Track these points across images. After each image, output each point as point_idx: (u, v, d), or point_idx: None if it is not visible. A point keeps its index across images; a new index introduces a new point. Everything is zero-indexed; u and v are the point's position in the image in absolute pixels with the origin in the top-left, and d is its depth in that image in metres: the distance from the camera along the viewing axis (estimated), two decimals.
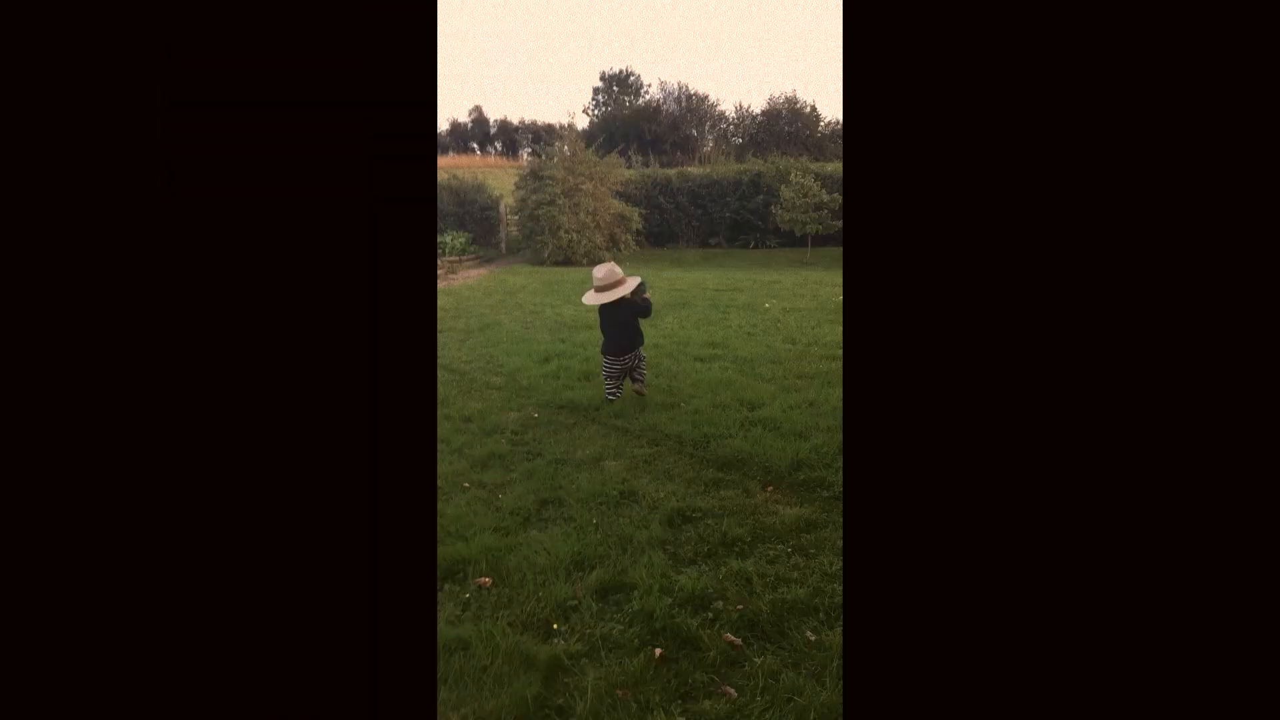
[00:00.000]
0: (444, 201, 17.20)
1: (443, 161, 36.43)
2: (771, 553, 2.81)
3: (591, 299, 4.65)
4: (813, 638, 2.27)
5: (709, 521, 3.07)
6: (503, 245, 16.92)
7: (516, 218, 16.16)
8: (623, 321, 4.64)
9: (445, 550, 2.81)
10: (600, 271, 4.67)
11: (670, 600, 2.45)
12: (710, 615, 2.39)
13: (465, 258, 15.17)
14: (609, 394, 4.67)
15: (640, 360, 4.74)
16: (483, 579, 2.65)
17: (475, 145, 49.05)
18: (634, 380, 4.73)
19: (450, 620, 2.40)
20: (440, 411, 4.69)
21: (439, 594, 2.57)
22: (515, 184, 16.47)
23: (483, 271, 13.70)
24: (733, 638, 2.28)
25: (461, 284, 11.71)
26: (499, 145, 48.20)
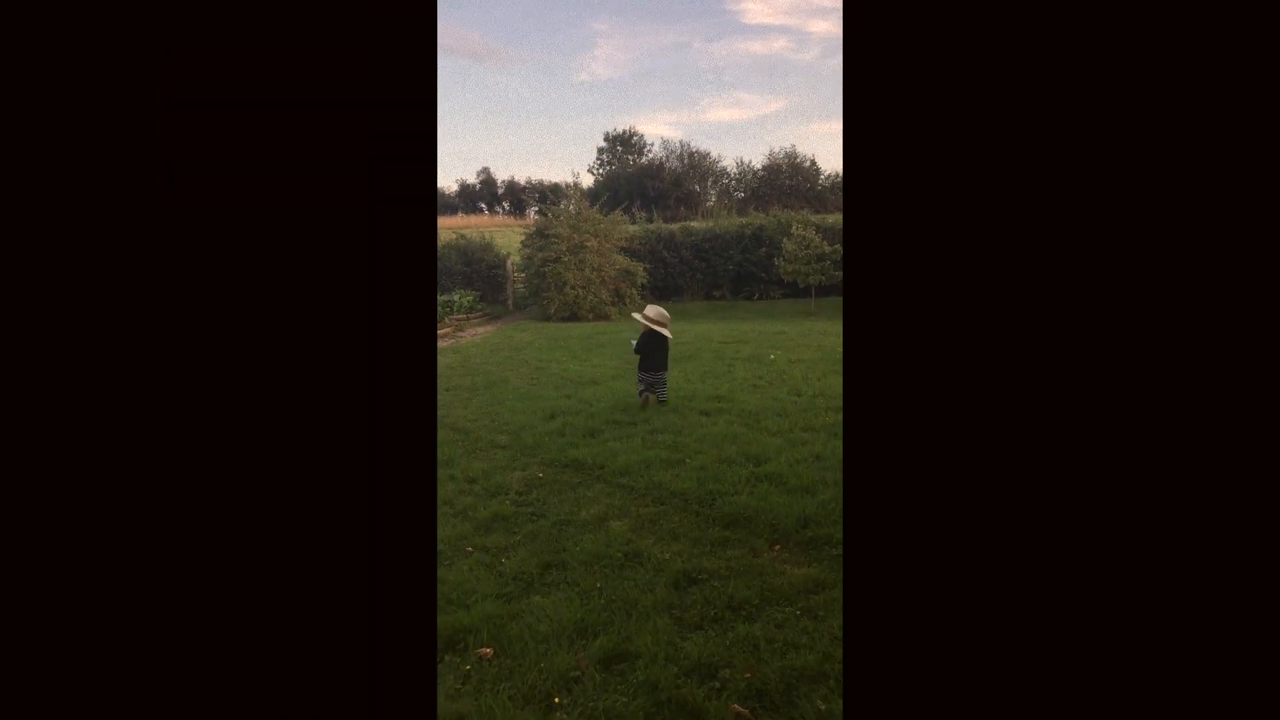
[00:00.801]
0: (451, 260, 17.46)
1: (451, 221, 36.57)
2: (779, 616, 2.73)
3: (648, 324, 6.33)
4: (823, 707, 2.19)
5: (715, 584, 3.00)
6: (510, 302, 17.05)
7: (523, 275, 16.30)
8: (662, 349, 6.34)
9: (446, 619, 2.74)
10: (653, 312, 6.43)
11: (676, 669, 2.37)
12: (717, 685, 2.32)
13: (473, 315, 15.30)
14: (642, 396, 6.29)
15: (663, 381, 6.32)
16: (484, 649, 2.59)
17: (483, 205, 49.64)
18: (659, 396, 6.24)
19: (450, 694, 2.33)
20: (444, 472, 4.65)
21: (440, 666, 2.51)
22: (522, 242, 16.67)
23: (490, 328, 13.78)
24: (740, 709, 2.20)
25: (469, 341, 11.77)
26: (506, 205, 48.68)
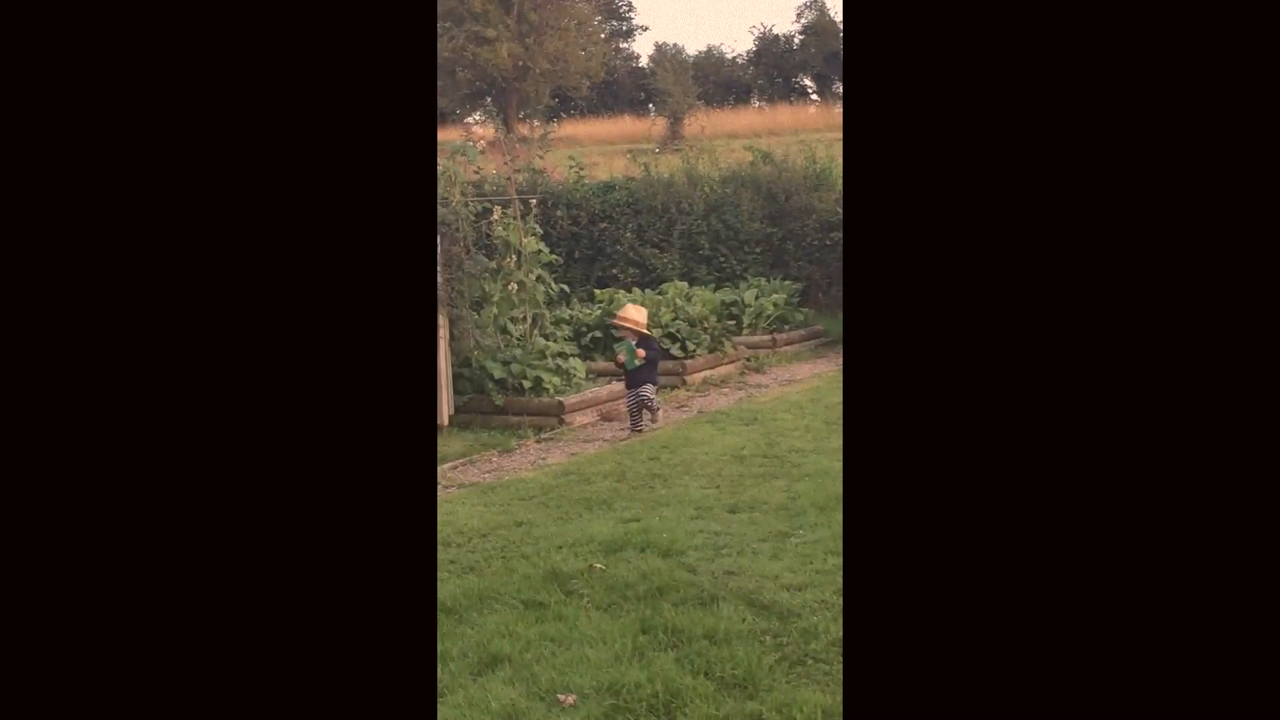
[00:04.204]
0: (738, 207, 8.50)
1: (737, 118, 19.86)
2: None
3: (636, 320, 5.54)
4: None
5: None
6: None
7: None
8: (653, 358, 5.53)
9: None
10: (633, 311, 5.66)
11: None
12: None
13: (785, 333, 7.57)
14: (639, 419, 5.41)
15: (655, 396, 5.51)
16: None
17: (807, 82, 26.06)
18: (651, 411, 5.44)
19: None
20: None
21: None
22: None
23: (819, 368, 6.92)
24: None
25: (771, 398, 5.99)
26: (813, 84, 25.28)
